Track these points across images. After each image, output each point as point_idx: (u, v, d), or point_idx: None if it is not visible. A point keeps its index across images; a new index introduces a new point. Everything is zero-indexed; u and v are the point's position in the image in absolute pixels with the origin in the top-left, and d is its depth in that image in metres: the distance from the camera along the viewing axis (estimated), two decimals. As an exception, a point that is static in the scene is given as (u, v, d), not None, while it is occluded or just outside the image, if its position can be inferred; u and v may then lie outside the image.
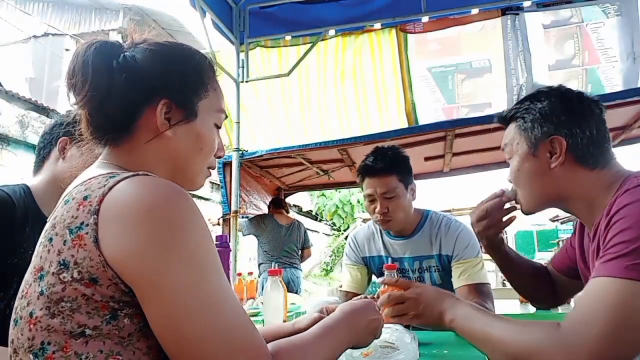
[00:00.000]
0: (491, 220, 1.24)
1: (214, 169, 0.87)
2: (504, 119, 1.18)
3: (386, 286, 1.37)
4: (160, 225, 0.61)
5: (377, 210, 1.73)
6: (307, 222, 13.55)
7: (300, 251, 4.62)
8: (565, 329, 0.82)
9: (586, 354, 0.77)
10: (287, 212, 4.70)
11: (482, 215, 1.25)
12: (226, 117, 0.87)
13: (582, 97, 1.08)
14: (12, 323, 0.67)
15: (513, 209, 1.25)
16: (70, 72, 0.74)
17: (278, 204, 4.57)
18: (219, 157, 0.87)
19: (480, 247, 1.79)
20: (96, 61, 0.73)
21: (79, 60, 0.73)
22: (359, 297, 1.54)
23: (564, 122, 1.04)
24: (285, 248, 4.46)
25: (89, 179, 0.68)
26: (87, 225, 0.61)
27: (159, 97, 0.75)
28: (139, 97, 0.75)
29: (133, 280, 0.61)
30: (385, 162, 1.73)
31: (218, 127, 0.84)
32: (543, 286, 1.36)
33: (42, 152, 1.37)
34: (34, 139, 5.69)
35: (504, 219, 1.25)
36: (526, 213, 1.15)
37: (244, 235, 4.66)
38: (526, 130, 1.09)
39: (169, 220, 0.61)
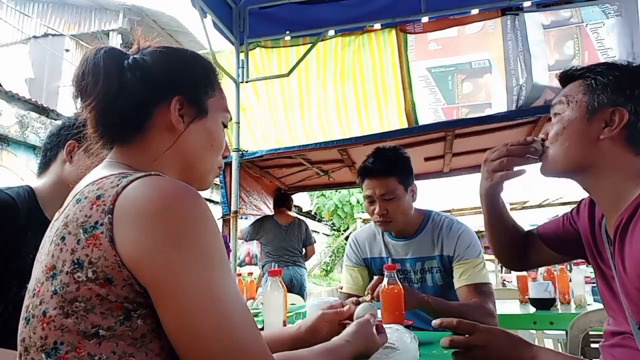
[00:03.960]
0: (508, 164, 1.13)
1: (221, 168, 0.89)
2: (570, 75, 1.10)
3: (386, 285, 1.37)
4: (174, 225, 0.62)
5: (376, 211, 1.73)
6: (306, 222, 13.55)
7: (303, 249, 4.63)
8: None
9: None
10: (290, 209, 4.71)
11: (502, 154, 1.14)
12: (231, 118, 0.89)
13: None
14: (22, 321, 0.67)
15: (530, 160, 1.13)
16: (80, 75, 0.75)
17: (280, 202, 4.58)
18: (225, 157, 0.89)
19: (482, 247, 1.79)
20: (107, 62, 0.74)
21: (89, 63, 0.74)
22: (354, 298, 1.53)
23: (635, 98, 0.99)
24: (286, 247, 4.48)
25: (100, 178, 0.69)
26: (102, 224, 0.62)
27: (172, 94, 0.77)
28: (151, 95, 0.76)
29: (148, 280, 0.61)
30: (385, 164, 1.72)
31: (225, 126, 0.86)
32: (517, 247, 1.31)
33: (49, 153, 1.36)
34: (34, 140, 5.70)
35: (516, 168, 1.15)
36: (547, 174, 1.09)
37: (246, 241, 4.68)
38: (593, 92, 1.02)
39: (181, 220, 0.62)
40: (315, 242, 4.83)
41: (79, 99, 0.76)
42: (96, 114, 0.77)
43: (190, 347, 0.61)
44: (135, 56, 0.77)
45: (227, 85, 3.51)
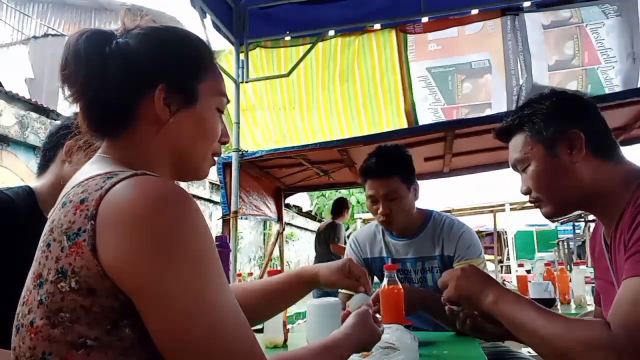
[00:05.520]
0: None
1: (219, 155, 0.83)
2: (507, 131, 1.14)
3: (386, 285, 1.37)
4: (159, 231, 0.58)
5: (379, 211, 1.73)
6: (307, 223, 13.53)
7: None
8: (618, 333, 0.81)
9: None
10: (339, 215, 5.07)
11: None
12: (228, 101, 0.83)
13: (579, 95, 1.10)
14: (14, 329, 0.65)
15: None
16: (63, 63, 0.71)
17: (332, 210, 5.13)
18: (224, 143, 0.84)
19: (483, 248, 1.80)
20: (88, 50, 0.69)
21: (71, 50, 0.70)
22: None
23: (576, 115, 1.04)
24: (319, 251, 4.95)
25: (86, 179, 0.65)
26: (85, 231, 0.59)
27: (156, 82, 0.71)
28: (134, 84, 0.71)
29: (131, 290, 0.58)
30: (388, 164, 1.72)
31: (220, 112, 0.81)
32: None
33: (48, 154, 1.35)
34: (34, 140, 5.69)
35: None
36: (550, 217, 1.13)
37: None
38: (539, 133, 1.06)
39: (167, 225, 0.59)
40: (338, 240, 4.97)
41: (66, 88, 0.72)
42: (83, 104, 0.73)
43: (180, 356, 0.59)
44: (118, 40, 0.72)
45: (227, 85, 3.50)
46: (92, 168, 0.69)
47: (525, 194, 1.13)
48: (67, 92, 0.72)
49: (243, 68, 3.57)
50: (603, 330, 0.83)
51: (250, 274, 3.47)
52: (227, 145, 0.87)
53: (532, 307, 0.95)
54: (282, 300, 1.15)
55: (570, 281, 2.65)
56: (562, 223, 10.88)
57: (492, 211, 9.69)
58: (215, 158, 0.83)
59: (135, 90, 0.72)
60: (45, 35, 10.84)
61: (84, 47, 0.70)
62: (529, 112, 1.09)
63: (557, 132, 1.04)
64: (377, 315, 1.03)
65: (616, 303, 0.86)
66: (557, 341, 0.87)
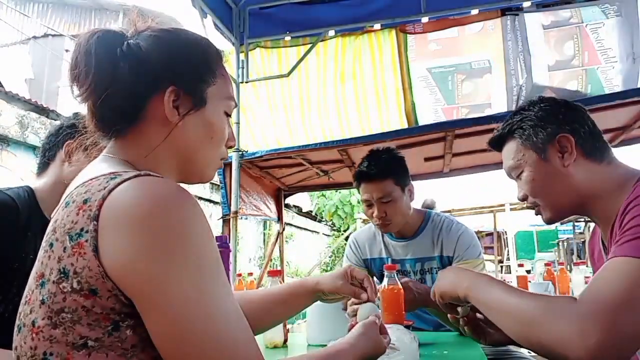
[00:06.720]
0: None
1: (225, 159, 0.83)
2: (499, 140, 1.17)
3: (386, 285, 1.37)
4: (160, 232, 0.58)
5: (374, 214, 1.73)
6: (307, 223, 13.54)
7: None
8: (582, 303, 0.82)
9: (601, 328, 0.78)
10: None
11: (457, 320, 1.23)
12: (236, 105, 0.84)
13: (567, 100, 1.12)
14: (15, 328, 0.66)
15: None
16: (73, 62, 0.71)
17: None
18: (230, 147, 0.84)
19: (482, 248, 1.81)
20: (99, 50, 0.70)
21: (82, 50, 0.70)
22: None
23: (564, 119, 1.06)
24: None
25: (90, 179, 0.66)
26: (87, 232, 0.59)
27: (166, 84, 0.72)
28: (144, 86, 0.72)
29: (132, 291, 0.58)
30: (380, 167, 1.72)
31: (228, 115, 0.81)
32: None
33: (48, 154, 1.36)
34: (34, 140, 5.69)
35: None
36: (550, 222, 1.14)
37: None
38: (529, 138, 1.08)
39: (169, 227, 0.59)
40: None
41: (75, 87, 0.72)
42: (91, 104, 0.73)
43: (179, 358, 0.58)
44: (130, 41, 0.72)
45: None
46: (96, 168, 0.69)
47: (522, 200, 1.15)
48: (76, 92, 0.72)
49: (243, 68, 3.58)
50: (567, 302, 0.84)
51: (250, 274, 3.46)
52: (227, 145, 0.87)
53: (503, 286, 0.97)
54: (284, 311, 1.14)
55: (570, 281, 2.65)
56: (562, 223, 10.89)
57: (492, 211, 9.70)
58: (222, 161, 0.83)
59: (145, 92, 0.72)
60: (45, 35, 10.83)
61: (95, 47, 0.70)
62: (518, 119, 1.11)
63: (547, 136, 1.06)
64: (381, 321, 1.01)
65: (590, 281, 0.88)
66: (522, 313, 0.88)
